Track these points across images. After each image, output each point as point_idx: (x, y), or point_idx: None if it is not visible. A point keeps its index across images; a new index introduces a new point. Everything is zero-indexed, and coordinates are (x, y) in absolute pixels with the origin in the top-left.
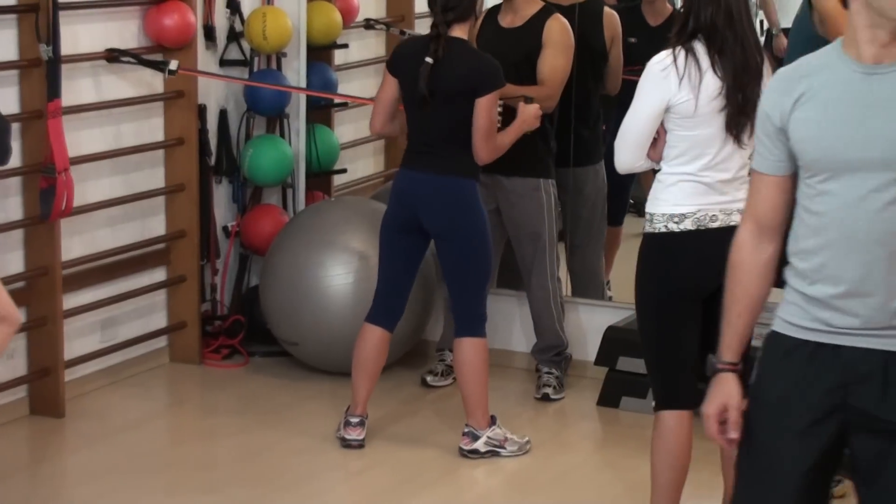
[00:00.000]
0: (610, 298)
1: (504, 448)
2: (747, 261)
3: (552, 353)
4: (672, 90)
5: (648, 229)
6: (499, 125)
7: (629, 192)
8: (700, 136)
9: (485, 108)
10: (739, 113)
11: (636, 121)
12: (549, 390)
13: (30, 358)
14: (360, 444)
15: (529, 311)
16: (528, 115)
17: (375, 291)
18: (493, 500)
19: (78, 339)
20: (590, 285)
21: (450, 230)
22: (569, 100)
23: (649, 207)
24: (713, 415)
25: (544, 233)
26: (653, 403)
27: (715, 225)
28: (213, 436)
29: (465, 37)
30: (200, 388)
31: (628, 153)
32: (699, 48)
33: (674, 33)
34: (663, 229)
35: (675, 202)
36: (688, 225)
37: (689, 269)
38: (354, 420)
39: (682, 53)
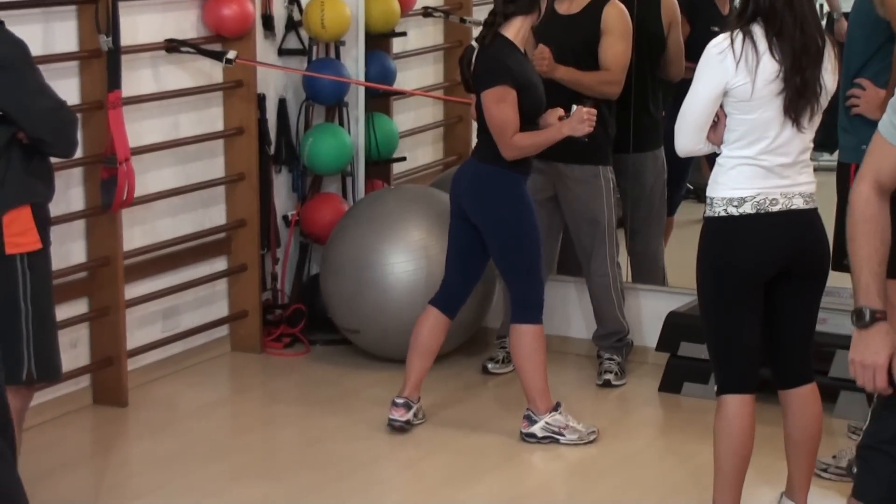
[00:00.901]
0: (666, 285)
1: (563, 435)
2: (880, 213)
3: (613, 339)
4: (729, 74)
5: (709, 213)
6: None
7: (684, 182)
8: (758, 119)
9: (485, 106)
10: (798, 96)
11: (695, 105)
12: (610, 376)
13: (92, 347)
14: (403, 427)
15: (589, 297)
16: (575, 119)
17: (443, 277)
18: (553, 487)
19: (140, 328)
20: (649, 271)
21: (486, 219)
22: (628, 86)
23: (710, 191)
24: (883, 364)
25: (603, 219)
26: (715, 388)
27: (775, 209)
28: (275, 423)
29: (522, 30)
30: (262, 376)
31: (688, 137)
32: (757, 31)
33: (734, 16)
34: (723, 213)
35: (734, 186)
36: (747, 209)
37: (749, 252)
38: (399, 401)
39: (739, 37)
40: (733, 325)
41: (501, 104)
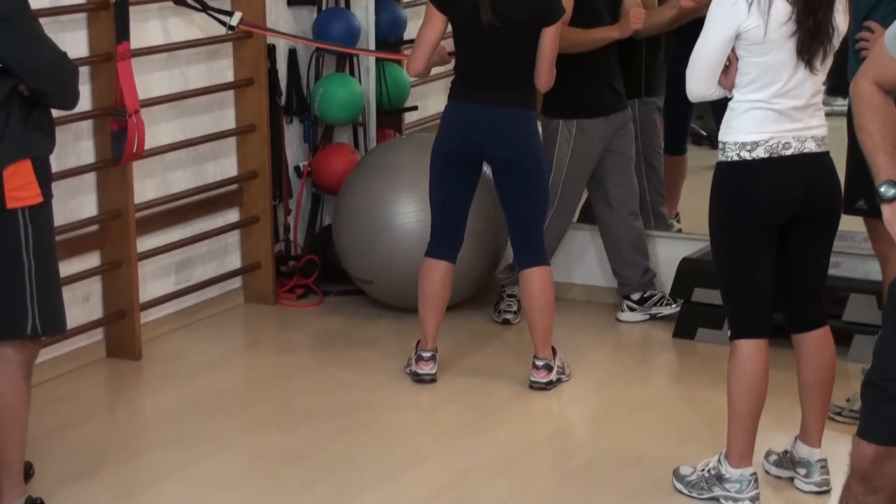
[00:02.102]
0: (679, 230)
1: (564, 374)
2: (884, 103)
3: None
4: (741, 16)
5: (721, 158)
6: None
7: (690, 121)
8: (771, 62)
9: (552, 37)
10: (811, 38)
11: (706, 48)
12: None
13: (105, 301)
14: (433, 379)
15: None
16: (635, 18)
17: (432, 226)
18: (569, 433)
19: (153, 281)
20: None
21: (518, 162)
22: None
23: (722, 136)
24: None
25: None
26: (728, 333)
27: (788, 152)
28: (289, 375)
29: None
30: (275, 328)
31: (699, 81)
32: None
33: None
34: (736, 158)
35: (747, 130)
36: (760, 153)
37: (762, 196)
38: (427, 354)
39: None
40: (747, 270)
41: (559, 35)
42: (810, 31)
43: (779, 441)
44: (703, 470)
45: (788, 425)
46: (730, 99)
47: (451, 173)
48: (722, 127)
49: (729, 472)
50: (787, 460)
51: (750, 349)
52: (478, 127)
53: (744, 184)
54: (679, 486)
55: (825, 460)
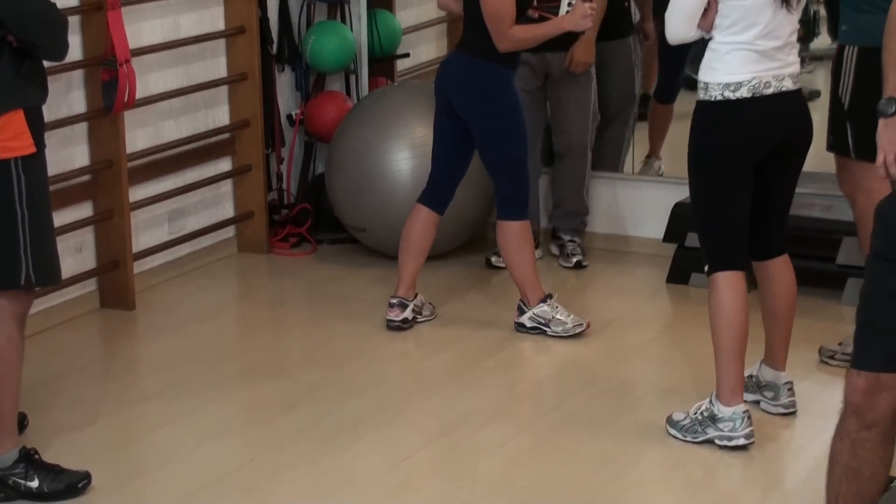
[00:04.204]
0: (661, 175)
1: (549, 327)
2: None
3: (578, 220)
4: None
5: (704, 97)
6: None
7: (681, 70)
8: (753, 4)
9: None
10: None
11: None
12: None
13: (98, 251)
14: (399, 326)
15: (554, 182)
16: (575, 15)
17: (429, 174)
18: (563, 379)
19: (146, 231)
20: (612, 158)
21: (476, 113)
22: None
23: (703, 76)
24: None
25: (592, 107)
26: (705, 269)
27: (769, 91)
28: (283, 324)
29: None
30: (269, 277)
31: (680, 24)
32: None
33: None
34: (720, 97)
35: (729, 70)
36: (744, 93)
37: (745, 135)
38: (394, 301)
39: None
40: (728, 204)
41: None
42: None
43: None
44: (695, 413)
45: (751, 351)
46: (708, 40)
47: (442, 123)
48: (703, 68)
49: (722, 412)
50: (753, 384)
51: (729, 281)
52: (442, 74)
53: (727, 123)
54: (673, 431)
55: (791, 382)
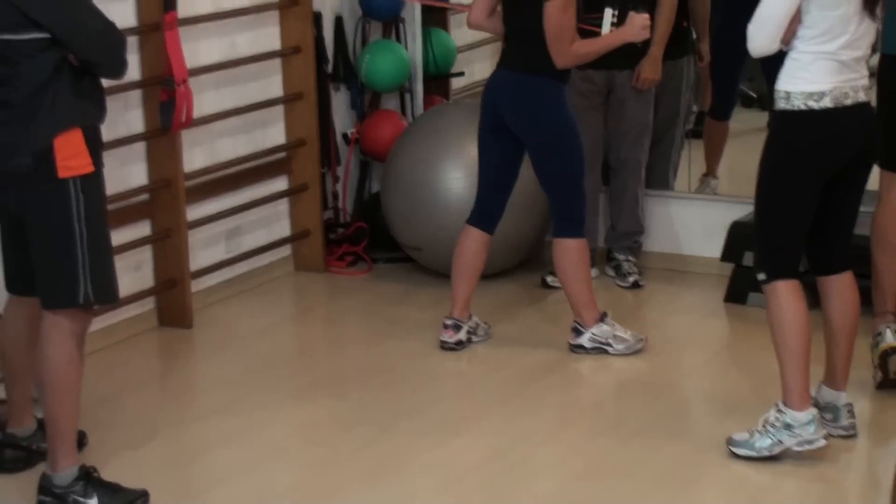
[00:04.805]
0: (714, 193)
1: (610, 345)
2: None
3: (631, 239)
4: None
5: (785, 107)
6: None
7: (736, 87)
8: (842, 14)
9: (550, 14)
10: None
11: (778, 4)
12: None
13: (156, 270)
14: (453, 347)
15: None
16: (635, 27)
17: (476, 193)
18: (620, 399)
19: (203, 250)
20: (662, 176)
21: (533, 130)
22: None
23: (785, 86)
24: None
25: (650, 123)
26: (760, 277)
27: (848, 102)
28: (339, 342)
29: None
30: (325, 295)
31: (767, 37)
32: None
33: None
34: (803, 107)
35: (813, 80)
36: (826, 103)
37: (826, 145)
38: (449, 322)
39: None
40: (798, 214)
41: (568, 10)
42: None
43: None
44: (764, 426)
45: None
46: (785, 52)
47: (488, 141)
48: (784, 77)
49: (796, 418)
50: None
51: (788, 288)
52: (492, 90)
53: (809, 132)
54: (741, 451)
55: (851, 404)
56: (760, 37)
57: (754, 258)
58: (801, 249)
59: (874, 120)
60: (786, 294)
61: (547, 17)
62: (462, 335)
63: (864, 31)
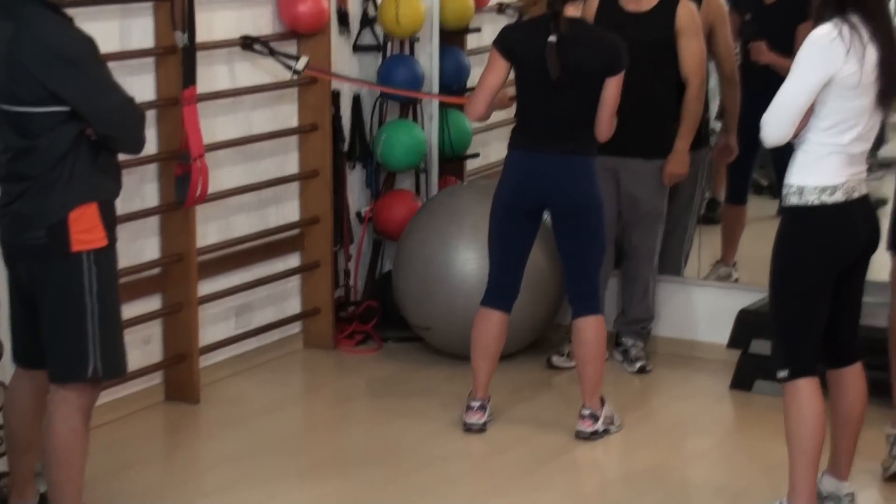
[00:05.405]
0: (736, 280)
1: (613, 425)
2: None
3: (639, 325)
4: (839, 62)
5: (798, 202)
6: None
7: (752, 170)
8: (857, 106)
9: (616, 87)
10: (893, 82)
11: (797, 94)
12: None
13: (165, 344)
14: (482, 429)
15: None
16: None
17: (489, 275)
18: (624, 485)
19: (213, 325)
20: (674, 265)
21: (578, 209)
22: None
23: (798, 180)
24: None
25: (663, 210)
26: (784, 374)
27: (856, 195)
28: (347, 421)
29: (578, 15)
30: (334, 373)
31: (784, 126)
32: (856, 20)
33: (816, 6)
34: (817, 202)
35: (827, 174)
36: (839, 196)
37: (840, 239)
38: (476, 404)
39: (844, 26)
40: (815, 311)
41: (621, 85)
42: (892, 76)
43: None
44: None
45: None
46: (786, 147)
47: (512, 223)
48: (797, 170)
49: None
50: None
51: (810, 387)
52: (541, 175)
53: (825, 227)
54: None
55: (853, 494)
56: (777, 127)
57: (773, 354)
58: (819, 345)
59: (874, 212)
60: (807, 393)
61: (612, 90)
62: (487, 416)
63: (875, 124)
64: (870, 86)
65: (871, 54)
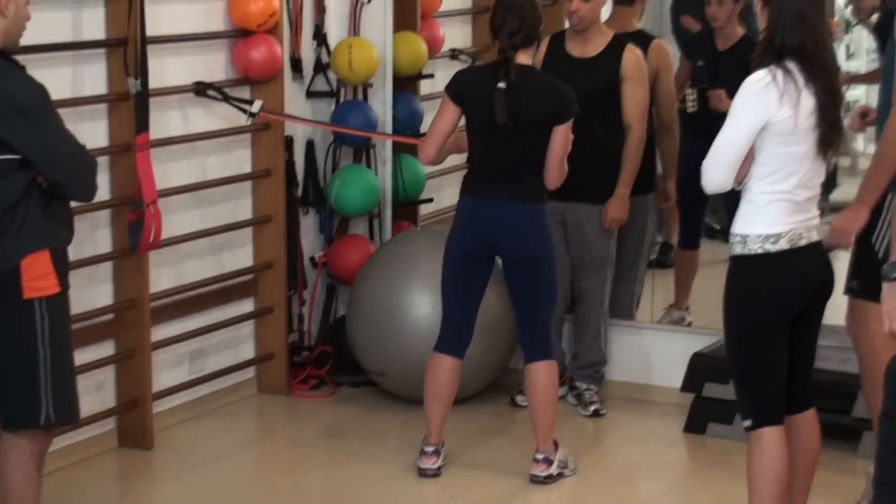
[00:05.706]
0: (689, 324)
1: (567, 468)
2: None
3: (592, 369)
4: (773, 107)
5: (742, 251)
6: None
7: (704, 215)
8: (795, 153)
9: (564, 135)
10: (831, 130)
11: (733, 139)
12: (597, 406)
13: (118, 390)
14: (436, 474)
15: (575, 329)
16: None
17: (443, 320)
18: None
19: (166, 370)
20: (625, 308)
21: (528, 256)
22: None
23: (741, 229)
24: None
25: (611, 255)
26: (747, 424)
27: (802, 243)
28: (301, 466)
29: (529, 62)
30: (288, 418)
31: (722, 173)
32: (792, 67)
33: (757, 54)
34: (760, 251)
35: (770, 222)
36: (783, 245)
37: (786, 288)
38: (430, 449)
39: (779, 72)
40: (771, 360)
41: (570, 133)
42: (832, 124)
43: None
44: None
45: None
46: (738, 191)
47: (465, 268)
48: (740, 219)
49: None
50: None
51: (773, 436)
52: (489, 221)
53: (769, 276)
54: None
55: None
56: (716, 173)
57: (738, 404)
58: (782, 393)
59: (826, 258)
60: (771, 443)
61: (560, 138)
62: (441, 461)
63: (816, 171)
64: (807, 132)
65: (807, 100)
